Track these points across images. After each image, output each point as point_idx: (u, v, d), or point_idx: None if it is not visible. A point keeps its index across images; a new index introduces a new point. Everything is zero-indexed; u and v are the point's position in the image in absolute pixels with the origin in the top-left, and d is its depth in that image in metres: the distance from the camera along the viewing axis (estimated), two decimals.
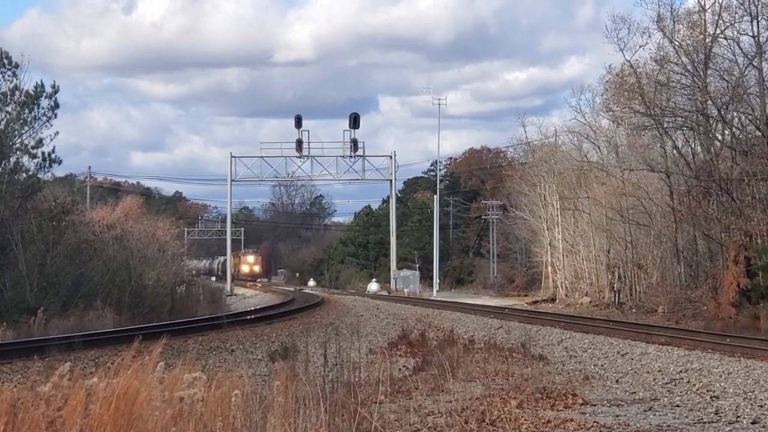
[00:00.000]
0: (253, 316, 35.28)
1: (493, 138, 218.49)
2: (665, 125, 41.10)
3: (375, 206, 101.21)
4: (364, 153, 68.97)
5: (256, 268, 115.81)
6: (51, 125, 33.64)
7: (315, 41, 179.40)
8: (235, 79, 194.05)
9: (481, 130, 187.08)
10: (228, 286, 69.66)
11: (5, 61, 32.56)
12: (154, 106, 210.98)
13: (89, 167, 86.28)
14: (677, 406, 13.55)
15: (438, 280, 72.91)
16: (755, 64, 36.43)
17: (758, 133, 35.67)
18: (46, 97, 33.25)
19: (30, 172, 33.44)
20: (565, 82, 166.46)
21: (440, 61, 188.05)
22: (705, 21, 38.98)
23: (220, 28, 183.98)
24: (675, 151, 42.31)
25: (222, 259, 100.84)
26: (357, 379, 12.93)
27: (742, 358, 18.52)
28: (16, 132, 32.90)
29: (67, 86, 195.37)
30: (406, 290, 67.70)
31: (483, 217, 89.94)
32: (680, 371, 17.43)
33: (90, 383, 6.28)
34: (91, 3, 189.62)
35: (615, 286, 45.50)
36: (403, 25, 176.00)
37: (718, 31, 38.46)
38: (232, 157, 71.19)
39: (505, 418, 11.58)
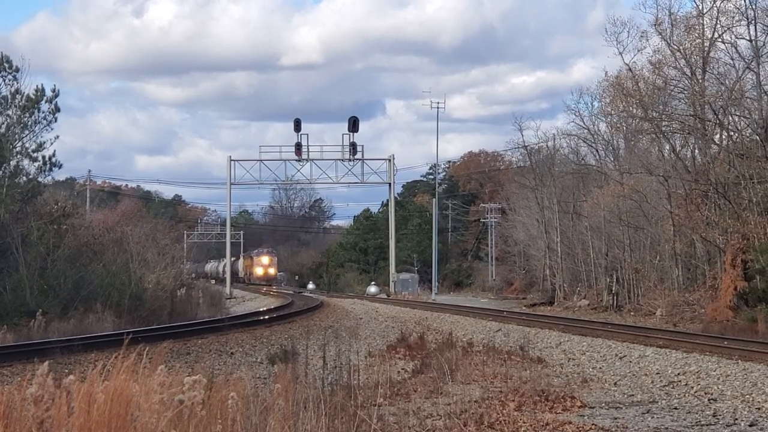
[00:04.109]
0: (258, 318, 35.37)
1: (499, 141, 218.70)
2: (663, 129, 41.22)
3: (374, 210, 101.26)
4: (363, 156, 69.12)
5: (272, 271, 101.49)
6: (51, 129, 33.80)
7: (322, 45, 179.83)
8: (242, 83, 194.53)
9: (486, 133, 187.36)
10: (227, 289, 69.67)
11: (6, 65, 32.65)
12: (160, 110, 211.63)
13: (89, 171, 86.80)
14: (675, 408, 13.61)
15: (437, 283, 72.95)
16: (752, 68, 36.55)
17: (755, 137, 35.76)
18: (46, 101, 33.34)
19: (30, 176, 33.54)
20: (572, 86, 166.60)
21: (447, 65, 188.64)
22: (703, 25, 39.12)
23: (228, 32, 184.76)
24: (673, 154, 42.42)
25: (232, 260, 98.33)
26: (356, 382, 13.00)
27: (739, 361, 18.57)
28: (16, 135, 32.99)
29: (74, 90, 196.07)
30: (405, 293, 67.74)
31: (482, 220, 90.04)
32: (678, 374, 17.49)
33: (67, 381, 6.35)
34: (100, 6, 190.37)
35: (613, 288, 45.57)
36: (410, 28, 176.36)
37: (715, 35, 38.61)
38: (231, 160, 71.26)
39: (504, 420, 11.65)
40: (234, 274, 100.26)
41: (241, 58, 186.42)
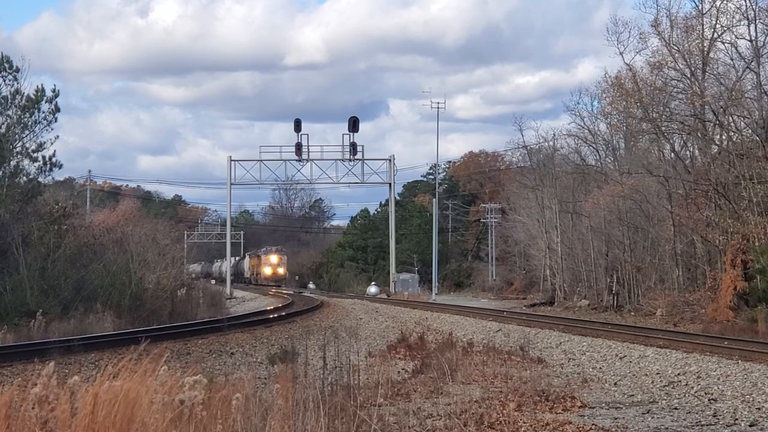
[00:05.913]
0: (258, 318, 35.40)
1: (502, 141, 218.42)
2: (663, 129, 41.23)
3: (374, 210, 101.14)
4: (363, 156, 69.11)
5: (281, 271, 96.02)
6: (52, 129, 33.88)
7: (326, 45, 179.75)
8: (245, 83, 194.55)
9: (490, 133, 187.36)
10: (228, 289, 69.62)
11: (6, 65, 32.69)
12: (163, 110, 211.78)
13: (89, 171, 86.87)
14: (675, 408, 13.62)
15: (437, 283, 72.97)
16: (752, 68, 36.57)
17: (755, 137, 35.78)
18: (46, 101, 33.40)
19: (30, 176, 33.58)
20: (577, 86, 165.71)
21: (451, 65, 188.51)
22: (702, 25, 39.13)
23: (232, 32, 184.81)
24: (673, 154, 42.44)
25: (237, 260, 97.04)
26: (356, 382, 13.00)
27: (739, 361, 18.58)
28: (16, 136, 33.03)
29: (78, 90, 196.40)
30: (405, 293, 67.73)
31: (482, 220, 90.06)
32: (678, 374, 17.49)
33: (71, 382, 6.36)
34: (104, 6, 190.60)
35: (613, 289, 45.59)
36: (414, 28, 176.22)
37: (715, 36, 38.62)
38: (231, 160, 71.24)
39: (504, 420, 11.66)
40: (240, 274, 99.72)
41: (245, 58, 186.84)
